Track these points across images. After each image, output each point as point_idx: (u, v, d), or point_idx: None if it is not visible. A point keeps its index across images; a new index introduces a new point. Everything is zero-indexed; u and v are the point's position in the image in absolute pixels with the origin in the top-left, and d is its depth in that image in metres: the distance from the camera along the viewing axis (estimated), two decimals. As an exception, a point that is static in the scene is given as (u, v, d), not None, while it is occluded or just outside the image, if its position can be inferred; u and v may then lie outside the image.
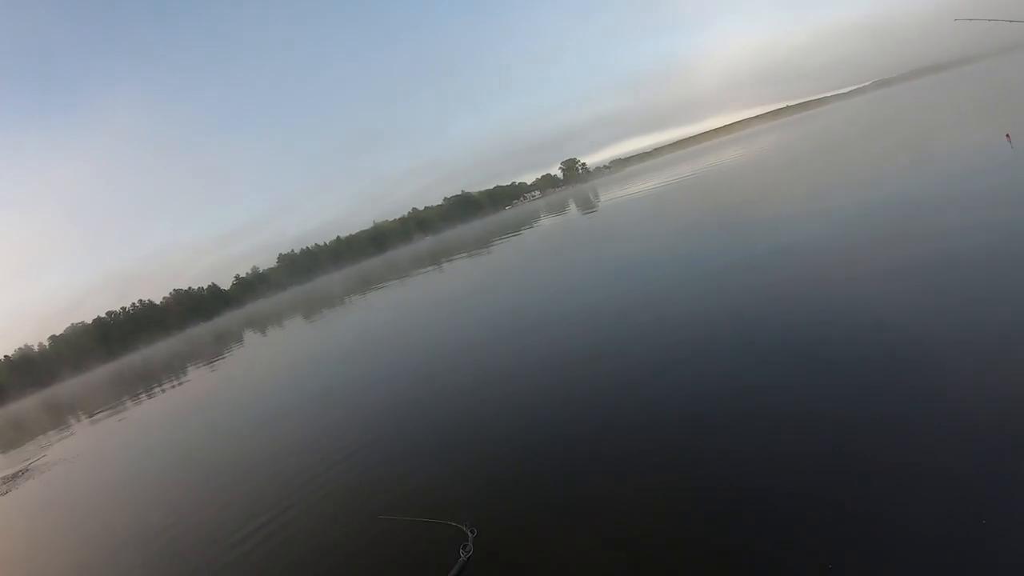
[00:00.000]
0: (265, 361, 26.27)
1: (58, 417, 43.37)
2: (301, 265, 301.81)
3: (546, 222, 59.06)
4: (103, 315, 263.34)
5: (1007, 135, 16.83)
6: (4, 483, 20.79)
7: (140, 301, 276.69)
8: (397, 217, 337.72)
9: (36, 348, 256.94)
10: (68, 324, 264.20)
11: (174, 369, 45.44)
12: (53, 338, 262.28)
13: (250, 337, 47.97)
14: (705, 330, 10.14)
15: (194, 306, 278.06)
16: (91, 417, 33.27)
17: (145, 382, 43.18)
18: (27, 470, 21.91)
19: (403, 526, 6.79)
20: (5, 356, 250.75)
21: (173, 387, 32.77)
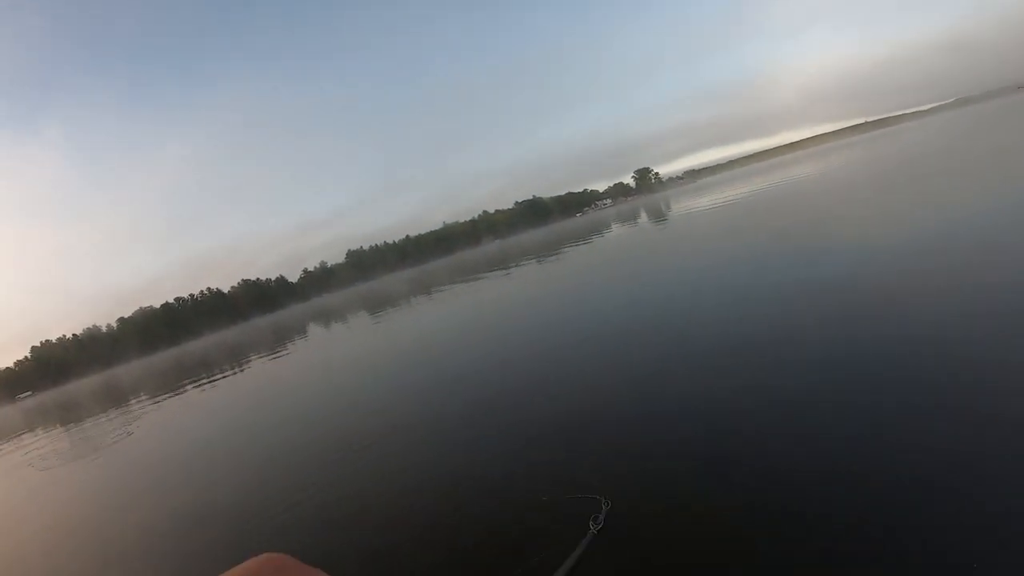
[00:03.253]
0: (364, 349, 25.48)
1: (120, 398, 43.54)
2: (368, 262, 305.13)
3: (618, 231, 57.70)
4: (171, 300, 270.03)
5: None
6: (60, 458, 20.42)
7: (208, 289, 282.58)
8: (467, 219, 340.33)
9: (104, 329, 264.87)
10: (137, 307, 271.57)
11: (238, 356, 45.33)
12: (122, 320, 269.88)
13: (328, 329, 47.49)
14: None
15: (260, 297, 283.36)
16: (154, 399, 33.00)
17: (207, 368, 43.09)
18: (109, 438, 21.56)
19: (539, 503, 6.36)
20: (74, 335, 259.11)
21: (235, 374, 32.38)
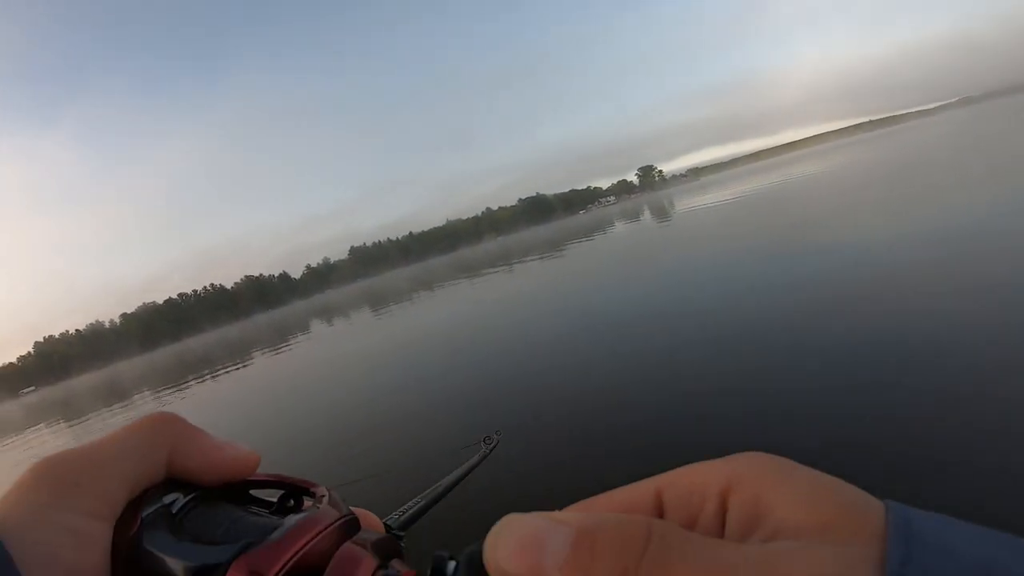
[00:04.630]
0: (368, 347, 25.36)
1: (122, 393, 43.43)
2: (371, 258, 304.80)
3: (621, 228, 57.52)
4: (175, 296, 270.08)
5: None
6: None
7: (212, 285, 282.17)
8: (470, 216, 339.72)
9: (107, 324, 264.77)
10: (141, 303, 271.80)
11: (240, 352, 45.19)
12: (124, 316, 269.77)
13: (332, 326, 47.36)
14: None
15: (263, 293, 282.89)
16: (156, 393, 32.93)
17: (209, 364, 42.95)
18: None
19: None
20: (77, 330, 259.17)
21: (237, 368, 32.28)
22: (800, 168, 78.10)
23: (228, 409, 19.55)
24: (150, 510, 0.37)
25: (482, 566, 0.31)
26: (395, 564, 0.42)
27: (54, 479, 0.35)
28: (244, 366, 33.16)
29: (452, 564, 0.35)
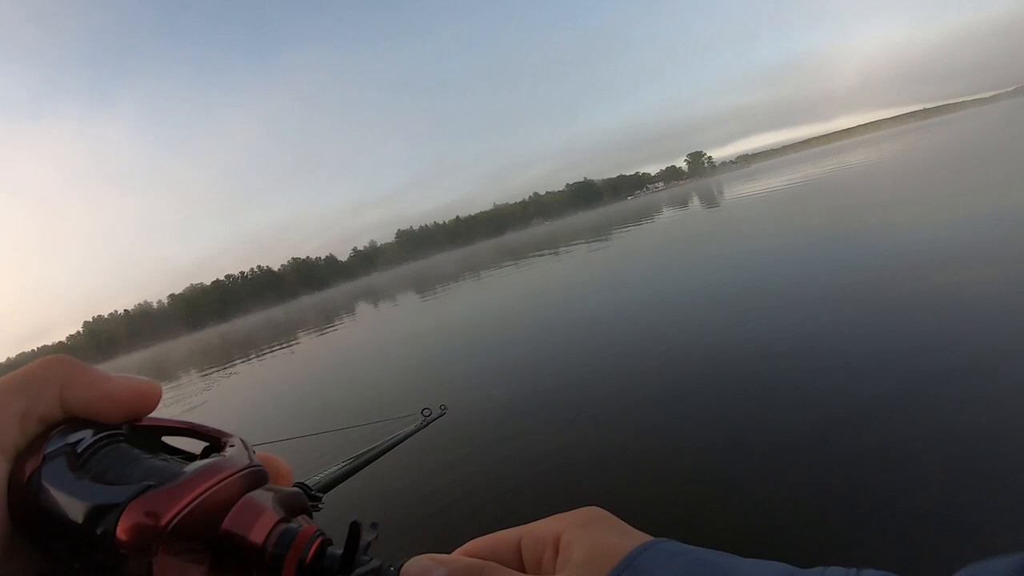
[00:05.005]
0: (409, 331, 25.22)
1: (169, 373, 43.88)
2: (417, 242, 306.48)
3: (670, 215, 56.83)
4: (222, 278, 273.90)
5: None
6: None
7: (259, 267, 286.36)
8: (518, 200, 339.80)
9: (155, 305, 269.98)
10: (189, 284, 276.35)
11: (285, 334, 45.46)
12: (172, 296, 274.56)
13: (377, 308, 47.44)
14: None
15: (309, 275, 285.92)
16: (203, 373, 33.15)
17: (255, 346, 43.22)
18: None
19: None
20: (125, 311, 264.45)
21: (282, 349, 32.37)
22: (852, 157, 76.47)
23: (275, 387, 19.54)
24: (54, 447, 0.35)
25: None
26: (300, 520, 0.43)
27: None
28: (290, 347, 33.28)
29: (388, 569, 0.40)
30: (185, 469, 0.36)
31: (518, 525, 0.52)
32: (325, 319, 48.22)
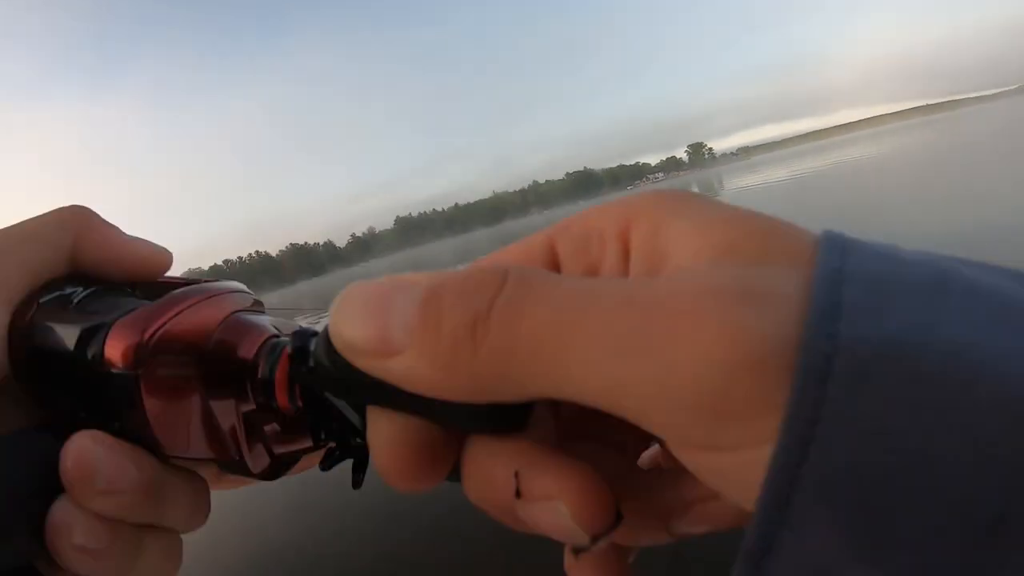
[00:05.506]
0: None
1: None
2: (415, 229, 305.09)
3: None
4: (219, 263, 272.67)
5: None
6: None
7: (257, 252, 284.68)
8: (517, 189, 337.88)
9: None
10: (187, 269, 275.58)
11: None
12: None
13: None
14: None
15: (307, 262, 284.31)
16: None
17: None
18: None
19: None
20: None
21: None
22: (853, 151, 74.76)
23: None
24: (48, 296, 0.36)
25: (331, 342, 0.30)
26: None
27: None
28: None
29: (313, 340, 0.30)
30: (171, 293, 0.37)
31: None
32: (324, 305, 46.86)
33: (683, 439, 0.22)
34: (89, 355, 0.33)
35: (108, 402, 0.33)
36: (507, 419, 0.26)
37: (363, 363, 0.26)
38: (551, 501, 0.24)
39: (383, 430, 0.28)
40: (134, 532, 0.33)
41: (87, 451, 0.31)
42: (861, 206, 19.28)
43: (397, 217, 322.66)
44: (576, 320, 0.22)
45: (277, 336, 0.37)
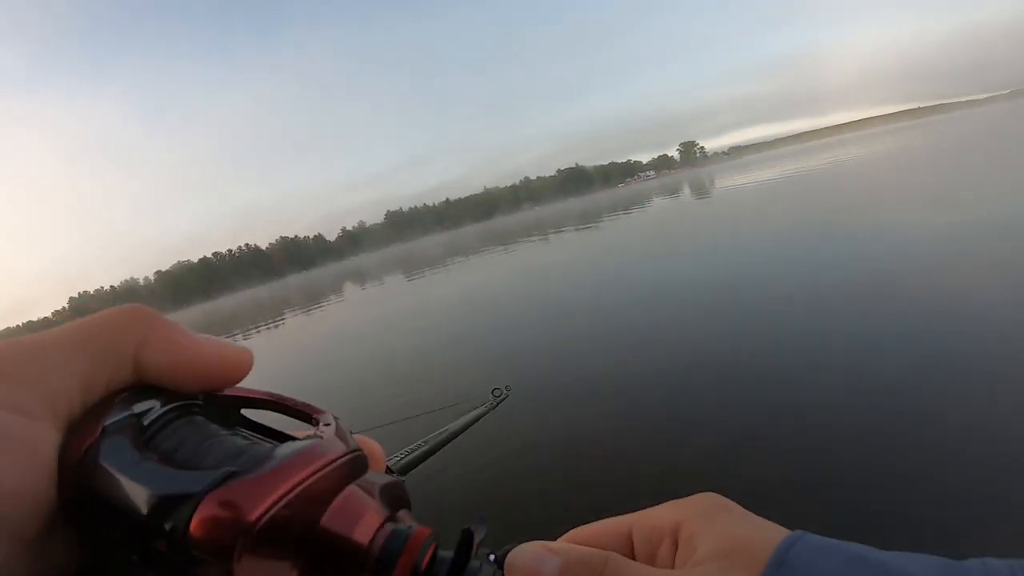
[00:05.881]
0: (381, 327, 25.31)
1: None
2: (406, 223, 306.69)
3: (660, 203, 57.03)
4: (210, 255, 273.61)
5: None
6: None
7: (247, 245, 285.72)
8: (508, 185, 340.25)
9: (141, 281, 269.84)
10: (176, 260, 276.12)
11: (272, 313, 45.44)
12: (159, 273, 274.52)
13: (364, 289, 47.49)
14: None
15: (297, 255, 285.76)
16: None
17: (239, 324, 43.14)
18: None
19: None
20: (112, 287, 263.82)
21: (269, 328, 32.41)
22: (843, 152, 76.82)
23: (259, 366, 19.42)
24: (115, 418, 0.31)
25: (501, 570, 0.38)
26: (403, 516, 0.36)
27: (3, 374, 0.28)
28: (276, 326, 33.32)
29: (486, 558, 0.34)
30: (276, 452, 0.31)
31: (612, 516, 0.47)
32: (311, 299, 48.22)
33: None
34: (168, 527, 0.28)
35: None
36: None
37: None
38: None
39: None
40: None
41: None
42: (849, 206, 20.87)
43: (388, 212, 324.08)
44: None
45: (393, 519, 0.36)
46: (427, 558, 0.32)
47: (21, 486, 0.27)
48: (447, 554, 0.35)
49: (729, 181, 67.78)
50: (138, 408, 0.32)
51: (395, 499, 0.36)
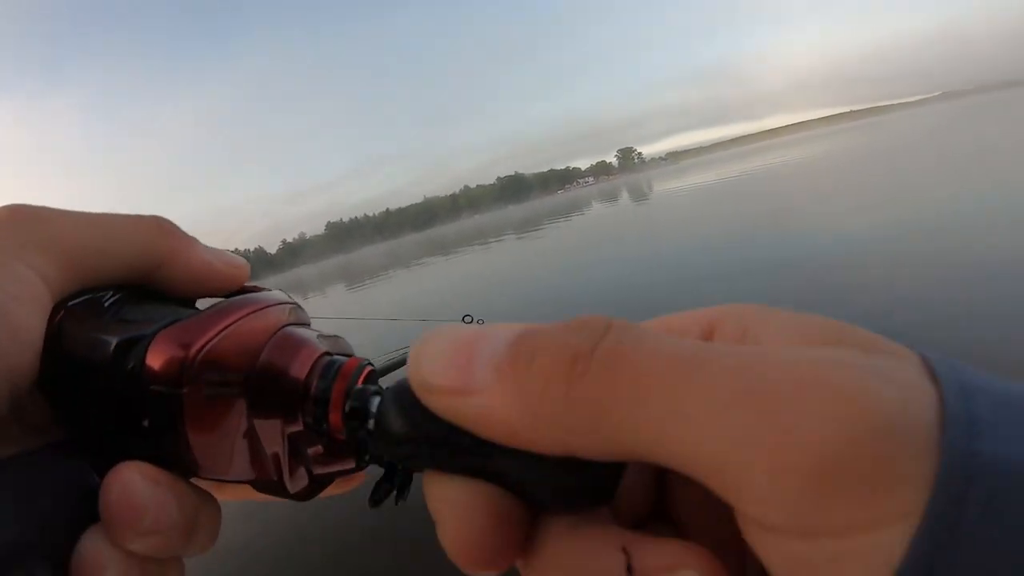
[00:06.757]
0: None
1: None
2: (346, 234, 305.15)
3: (599, 209, 57.67)
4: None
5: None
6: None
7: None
8: (448, 193, 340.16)
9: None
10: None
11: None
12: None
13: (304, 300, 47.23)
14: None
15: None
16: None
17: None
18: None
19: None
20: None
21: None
22: (780, 155, 78.37)
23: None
24: (77, 300, 0.34)
25: (409, 392, 0.27)
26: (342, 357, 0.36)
27: (29, 231, 0.31)
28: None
29: (376, 399, 0.31)
30: (219, 304, 0.35)
31: None
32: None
33: (778, 519, 0.19)
34: (126, 369, 0.31)
35: (144, 421, 0.31)
36: (595, 481, 0.24)
37: (438, 402, 0.24)
38: (676, 572, 0.22)
39: (450, 498, 0.25)
40: (159, 567, 0.31)
41: (133, 487, 0.29)
42: (786, 208, 21.35)
43: (328, 223, 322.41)
44: (687, 373, 0.20)
45: (330, 355, 0.37)
46: (361, 379, 0.34)
47: (34, 335, 0.30)
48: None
49: (667, 185, 68.62)
50: (99, 294, 0.35)
51: (337, 347, 0.38)
